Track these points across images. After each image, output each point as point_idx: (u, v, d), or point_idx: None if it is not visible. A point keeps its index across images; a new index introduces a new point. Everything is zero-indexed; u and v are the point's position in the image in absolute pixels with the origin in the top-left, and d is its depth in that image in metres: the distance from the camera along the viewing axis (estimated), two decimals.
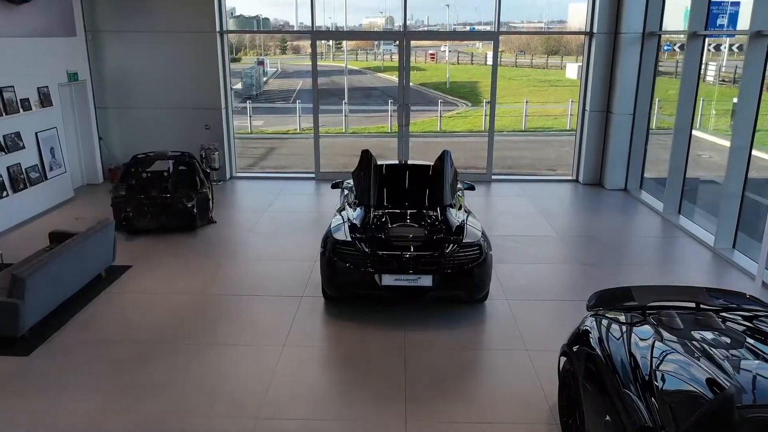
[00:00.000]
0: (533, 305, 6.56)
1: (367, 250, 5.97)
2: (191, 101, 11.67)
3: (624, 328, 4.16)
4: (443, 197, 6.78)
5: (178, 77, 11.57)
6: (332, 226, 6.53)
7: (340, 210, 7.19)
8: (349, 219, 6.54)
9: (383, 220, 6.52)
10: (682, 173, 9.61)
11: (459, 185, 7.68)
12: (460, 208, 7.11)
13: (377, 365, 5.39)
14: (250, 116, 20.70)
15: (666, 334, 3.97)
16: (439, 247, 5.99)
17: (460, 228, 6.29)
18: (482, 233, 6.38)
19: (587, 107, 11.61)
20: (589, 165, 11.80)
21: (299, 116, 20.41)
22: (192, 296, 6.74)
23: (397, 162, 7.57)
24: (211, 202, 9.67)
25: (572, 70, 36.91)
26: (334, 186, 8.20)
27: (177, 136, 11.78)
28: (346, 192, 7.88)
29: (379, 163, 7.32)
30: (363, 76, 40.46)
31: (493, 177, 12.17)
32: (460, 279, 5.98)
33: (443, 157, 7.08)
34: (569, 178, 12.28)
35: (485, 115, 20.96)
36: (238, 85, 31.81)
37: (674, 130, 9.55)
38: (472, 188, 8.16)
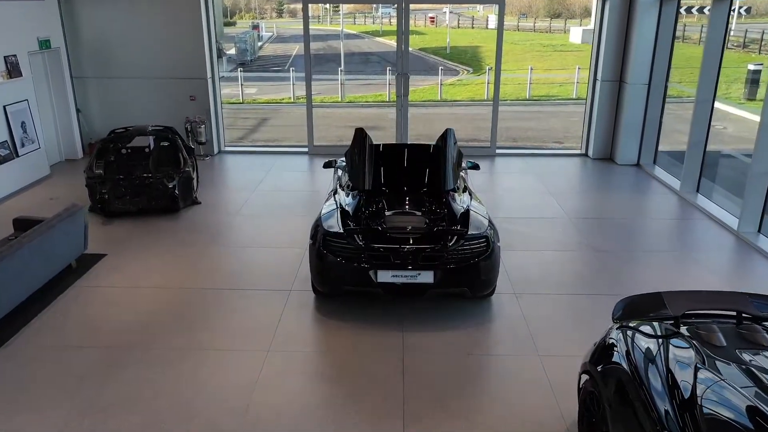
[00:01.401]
0: (544, 300, 5.97)
1: (361, 243, 5.35)
2: (175, 70, 10.88)
3: (656, 344, 3.57)
4: (445, 181, 6.13)
5: (161, 44, 10.77)
6: (323, 213, 5.90)
7: (333, 192, 6.55)
8: (341, 205, 5.90)
9: (379, 207, 5.88)
10: (702, 149, 8.92)
11: (463, 163, 7.02)
12: (464, 190, 6.46)
13: (372, 374, 4.82)
14: (242, 84, 19.82)
15: (706, 352, 3.38)
16: (441, 240, 5.37)
17: (465, 216, 5.65)
18: (489, 222, 5.75)
19: (598, 76, 10.84)
20: (600, 138, 11.09)
21: (293, 84, 19.53)
22: (170, 291, 6.14)
23: (394, 142, 6.85)
24: (195, 181, 9.01)
25: (576, 34, 35.73)
26: (327, 165, 7.53)
27: (161, 107, 11.05)
28: (339, 172, 7.23)
29: (374, 143, 6.64)
30: (361, 41, 39.25)
31: (497, 151, 11.47)
32: (465, 275, 5.37)
33: (445, 137, 6.40)
34: (578, 152, 11.58)
35: (487, 83, 20.11)
36: (232, 51, 30.74)
37: (695, 102, 8.83)
38: (476, 167, 7.49)
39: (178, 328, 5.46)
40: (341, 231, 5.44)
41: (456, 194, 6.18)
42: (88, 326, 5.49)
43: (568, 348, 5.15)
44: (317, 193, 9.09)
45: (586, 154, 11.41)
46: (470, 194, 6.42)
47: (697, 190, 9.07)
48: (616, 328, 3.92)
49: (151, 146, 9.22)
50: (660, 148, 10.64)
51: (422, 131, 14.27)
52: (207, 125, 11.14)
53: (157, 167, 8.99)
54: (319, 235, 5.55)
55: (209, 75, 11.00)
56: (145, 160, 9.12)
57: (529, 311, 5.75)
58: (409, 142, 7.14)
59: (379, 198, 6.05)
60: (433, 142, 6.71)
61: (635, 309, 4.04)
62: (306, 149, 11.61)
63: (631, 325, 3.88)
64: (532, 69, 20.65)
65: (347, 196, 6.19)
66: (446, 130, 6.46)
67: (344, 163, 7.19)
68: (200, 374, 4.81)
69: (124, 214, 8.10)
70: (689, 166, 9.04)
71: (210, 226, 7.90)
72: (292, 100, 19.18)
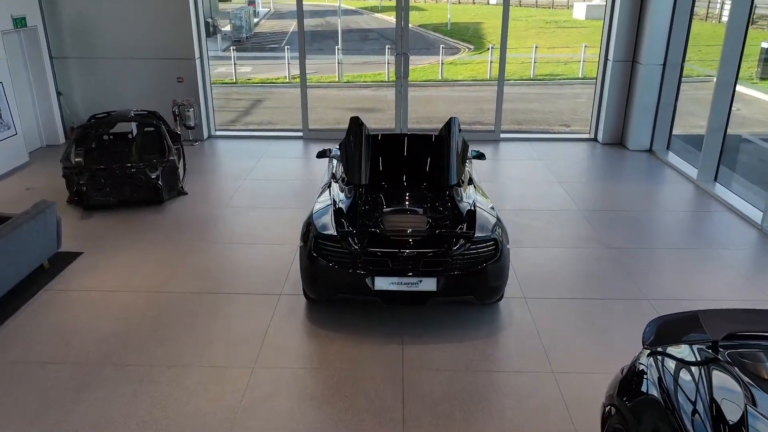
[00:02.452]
0: (556, 306, 5.47)
1: (356, 246, 4.83)
2: (161, 50, 10.26)
3: (695, 373, 3.09)
4: (449, 175, 5.59)
5: (146, 22, 10.12)
6: (315, 210, 5.37)
7: (327, 186, 6.02)
8: (335, 202, 5.37)
9: (377, 204, 5.36)
10: (721, 135, 8.36)
11: (468, 153, 6.48)
12: (470, 182, 5.94)
13: (368, 395, 4.34)
14: (235, 63, 19.11)
15: (753, 387, 2.90)
16: (444, 243, 4.85)
17: (471, 215, 5.13)
18: (496, 220, 5.23)
19: (610, 56, 10.23)
20: (610, 122, 10.51)
21: (288, 63, 18.83)
22: (149, 296, 5.64)
23: (393, 128, 6.29)
24: (181, 169, 8.47)
25: (580, 10, 34.79)
26: (320, 155, 6.98)
27: (147, 90, 10.46)
28: (334, 163, 6.69)
29: (372, 133, 6.09)
30: (359, 17, 38.25)
31: (502, 135, 10.90)
32: (471, 281, 4.87)
33: (449, 126, 5.85)
34: (586, 136, 11.01)
35: (490, 62, 19.42)
36: (227, 27, 29.86)
37: (715, 84, 8.24)
38: (481, 157, 6.93)
39: (156, 339, 4.97)
40: (334, 233, 4.91)
41: (461, 189, 5.65)
42: (59, 338, 5.00)
43: (585, 363, 4.68)
44: (311, 183, 8.56)
45: (595, 139, 10.85)
46: (475, 187, 5.89)
47: (715, 179, 8.54)
48: (647, 354, 3.43)
49: (134, 132, 8.67)
50: (674, 132, 10.08)
51: (423, 113, 13.68)
52: (196, 108, 10.55)
53: (141, 155, 8.46)
54: (310, 237, 5.03)
55: (197, 55, 10.38)
56: (129, 147, 8.58)
57: (541, 319, 5.26)
58: (409, 132, 6.53)
59: (377, 194, 5.52)
60: (435, 132, 6.15)
61: (669, 332, 3.55)
62: (300, 134, 11.03)
63: (664, 350, 3.39)
64: (536, 47, 19.93)
65: (341, 191, 5.66)
66: (450, 118, 5.90)
67: (339, 153, 6.66)
68: (177, 395, 4.33)
69: (104, 207, 7.57)
70: (708, 154, 8.49)
71: (196, 219, 7.37)
72: (287, 80, 18.50)
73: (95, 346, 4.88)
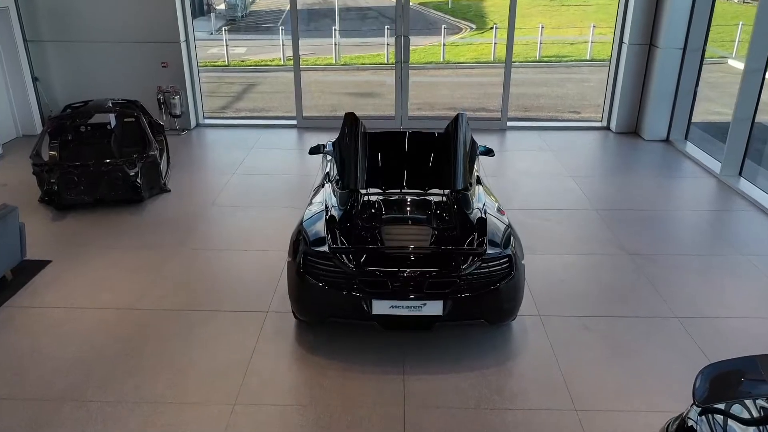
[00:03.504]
0: (575, 326, 4.90)
1: (351, 265, 4.23)
2: (144, 33, 9.55)
3: None
4: (456, 179, 4.97)
5: (127, 2, 9.39)
6: (305, 219, 4.77)
7: (320, 187, 5.41)
8: (327, 209, 4.77)
9: (374, 212, 4.75)
10: (748, 126, 7.73)
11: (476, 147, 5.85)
12: (479, 182, 5.33)
13: None
14: (227, 45, 18.32)
15: None
16: (452, 261, 4.26)
17: (482, 226, 4.52)
18: (509, 231, 4.63)
19: (625, 39, 9.53)
20: (625, 110, 9.85)
21: (282, 45, 18.04)
22: (122, 314, 5.06)
23: (393, 125, 5.64)
24: (164, 164, 7.84)
25: None
26: (313, 151, 6.35)
27: (130, 76, 9.78)
28: (328, 159, 6.08)
29: (369, 130, 5.45)
30: None
31: (509, 123, 10.24)
32: (482, 304, 4.28)
33: (456, 123, 5.22)
34: (598, 124, 10.35)
35: (494, 43, 18.64)
36: (222, 6, 28.89)
37: (744, 71, 7.59)
38: (489, 153, 6.27)
39: (126, 370, 4.40)
40: (326, 250, 4.32)
41: (469, 193, 5.04)
42: (16, 367, 4.43)
43: (610, 398, 4.12)
44: (305, 179, 7.93)
45: (608, 128, 10.20)
46: (485, 190, 5.28)
47: (740, 174, 7.92)
48: (699, 413, 2.85)
49: (113, 123, 8.02)
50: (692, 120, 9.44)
51: (424, 99, 12.99)
52: (182, 95, 9.88)
53: (120, 148, 7.83)
54: (299, 252, 4.43)
55: (183, 38, 9.68)
56: (108, 138, 7.94)
57: (558, 342, 4.68)
58: (411, 129, 5.90)
59: (375, 200, 4.91)
60: (439, 127, 5.52)
61: (724, 384, 2.96)
62: (294, 122, 10.37)
63: (719, 408, 2.81)
64: (542, 27, 19.12)
65: (335, 195, 5.05)
66: (457, 115, 5.27)
67: (333, 149, 6.04)
68: None
69: (78, 207, 6.96)
70: (733, 146, 7.85)
71: (178, 221, 6.77)
72: (282, 62, 17.73)
73: (55, 377, 4.31)
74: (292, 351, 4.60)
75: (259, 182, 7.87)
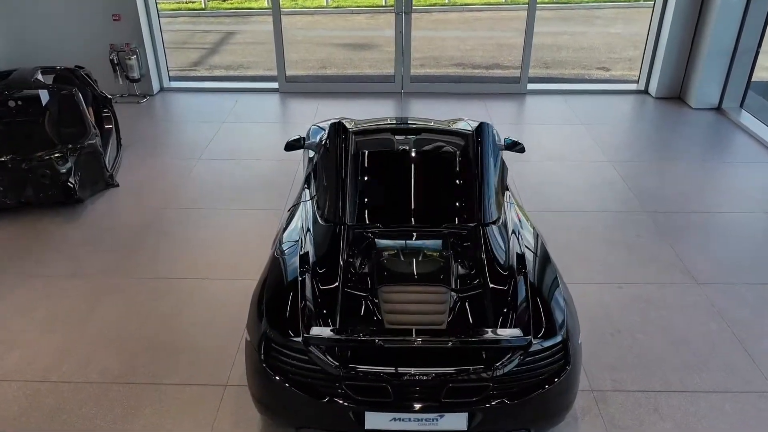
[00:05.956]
0: (645, 408, 3.60)
1: (333, 362, 2.88)
2: None
3: None
4: (484, 209, 3.55)
5: None
6: (269, 274, 3.37)
7: (297, 207, 4.00)
8: (303, 257, 3.37)
9: (367, 264, 3.36)
10: None
11: (500, 158, 4.38)
12: (504, 195, 3.93)
13: None
14: None
15: None
16: (481, 353, 2.90)
17: (524, 291, 3.14)
18: (563, 295, 3.26)
19: None
20: (668, 70, 8.27)
21: None
22: (27, 391, 3.73)
23: (392, 141, 4.06)
24: (110, 152, 6.37)
25: None
26: (290, 147, 4.89)
27: (75, 33, 8.15)
28: (310, 156, 4.67)
29: (361, 147, 3.96)
30: None
31: (529, 87, 8.67)
32: (523, 413, 2.96)
33: (480, 134, 3.74)
34: (634, 87, 8.78)
35: None
36: None
37: None
38: (515, 147, 4.72)
39: None
40: (297, 338, 2.95)
41: (497, 227, 3.63)
42: None
43: None
44: (286, 166, 6.48)
45: (646, 91, 8.64)
46: (517, 215, 3.87)
47: None
48: None
49: (46, 99, 6.48)
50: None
51: (427, 52, 11.28)
52: (140, 54, 8.26)
53: (58, 128, 6.35)
54: (259, 332, 3.07)
55: None
56: (42, 116, 6.44)
57: None
58: (417, 123, 4.41)
59: (368, 242, 3.51)
60: (448, 125, 4.03)
61: None
62: (276, 85, 8.78)
63: None
64: None
65: (313, 229, 3.64)
66: (481, 124, 3.80)
67: (317, 141, 4.62)
68: None
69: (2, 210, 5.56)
70: None
71: (124, 232, 5.36)
72: (267, 3, 15.77)
73: None
74: None
75: (229, 172, 6.42)
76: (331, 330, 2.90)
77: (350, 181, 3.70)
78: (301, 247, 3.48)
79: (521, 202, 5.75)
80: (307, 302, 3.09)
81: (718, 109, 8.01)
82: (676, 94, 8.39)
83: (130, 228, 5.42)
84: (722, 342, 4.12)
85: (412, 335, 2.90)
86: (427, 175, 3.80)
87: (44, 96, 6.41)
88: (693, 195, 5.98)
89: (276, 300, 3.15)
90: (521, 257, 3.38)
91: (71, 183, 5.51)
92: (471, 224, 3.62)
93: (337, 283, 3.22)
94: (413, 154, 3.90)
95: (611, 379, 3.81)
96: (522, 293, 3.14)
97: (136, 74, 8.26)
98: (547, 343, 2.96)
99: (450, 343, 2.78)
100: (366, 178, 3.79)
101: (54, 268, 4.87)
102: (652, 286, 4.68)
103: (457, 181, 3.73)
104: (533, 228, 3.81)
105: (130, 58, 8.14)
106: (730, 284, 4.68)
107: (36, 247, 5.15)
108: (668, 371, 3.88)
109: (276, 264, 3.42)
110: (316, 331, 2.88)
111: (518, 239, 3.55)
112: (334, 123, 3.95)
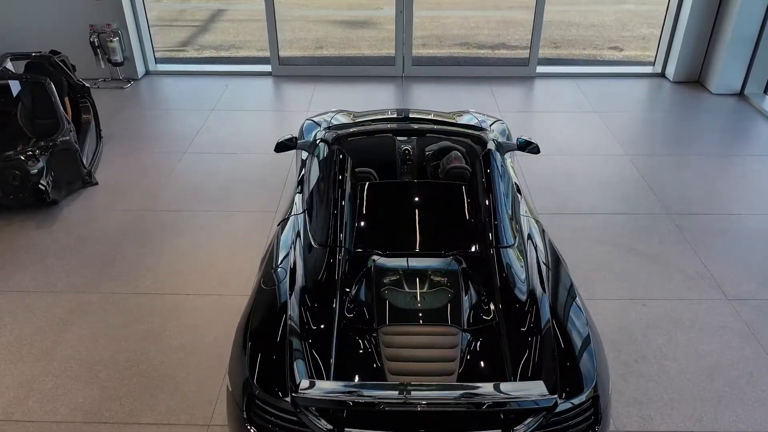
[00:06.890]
0: None
1: (329, 428, 2.47)
2: None
3: None
4: (500, 233, 3.11)
5: None
6: (253, 308, 2.95)
7: (287, 219, 3.56)
8: (295, 294, 2.94)
9: (364, 300, 2.93)
10: None
11: (511, 162, 3.94)
12: (524, 219, 3.49)
13: None
14: None
15: None
16: (499, 414, 2.49)
17: (548, 340, 2.73)
18: (592, 344, 2.83)
19: None
20: (687, 53, 7.73)
21: None
22: None
23: (394, 150, 3.57)
24: (88, 146, 5.89)
25: None
26: (281, 147, 4.42)
27: (52, 14, 7.58)
28: (304, 158, 4.21)
29: (360, 175, 3.49)
30: None
31: (538, 70, 8.14)
32: None
33: (488, 159, 3.27)
34: (650, 69, 8.25)
35: None
36: None
37: None
38: (529, 147, 4.27)
39: None
40: (286, 397, 2.54)
41: (515, 248, 3.20)
42: None
43: None
44: (279, 160, 6.01)
45: (663, 75, 8.12)
46: (533, 223, 3.44)
47: None
48: None
49: (17, 89, 5.97)
50: None
51: (430, 31, 10.68)
52: (123, 36, 7.72)
53: (32, 120, 5.87)
54: (243, 388, 2.65)
55: None
56: (13, 107, 5.94)
57: None
58: (418, 122, 3.95)
59: (366, 273, 3.08)
60: (462, 161, 3.56)
61: None
62: (269, 68, 8.25)
63: None
64: None
65: (307, 253, 3.21)
66: (487, 153, 3.33)
67: (310, 139, 4.16)
68: None
69: None
70: None
71: (101, 239, 4.92)
72: None
73: None
74: None
75: (218, 166, 5.96)
76: (323, 385, 2.49)
77: (348, 202, 3.25)
78: (291, 277, 3.04)
79: (534, 207, 5.30)
80: (296, 350, 2.67)
81: (740, 94, 7.51)
82: (695, 78, 7.87)
83: (108, 234, 4.98)
84: (759, 370, 3.72)
85: (417, 390, 2.48)
86: (434, 194, 3.35)
87: (15, 86, 5.90)
88: (718, 194, 5.53)
89: (261, 347, 2.72)
90: (542, 289, 2.95)
91: (43, 185, 5.04)
92: (483, 250, 3.18)
93: (331, 324, 2.80)
94: (418, 170, 3.44)
95: (638, 416, 3.42)
96: (547, 339, 2.72)
97: (118, 57, 7.72)
98: (576, 400, 2.55)
99: (464, 407, 2.37)
100: (365, 199, 3.34)
101: (22, 283, 4.44)
102: (679, 302, 4.26)
103: (468, 200, 3.27)
104: (553, 247, 3.37)
105: (111, 40, 7.60)
106: (764, 300, 4.27)
107: (3, 256, 4.71)
108: (701, 406, 3.49)
109: (262, 298, 2.99)
110: (305, 386, 2.46)
111: (538, 266, 3.12)
112: (334, 148, 3.46)
